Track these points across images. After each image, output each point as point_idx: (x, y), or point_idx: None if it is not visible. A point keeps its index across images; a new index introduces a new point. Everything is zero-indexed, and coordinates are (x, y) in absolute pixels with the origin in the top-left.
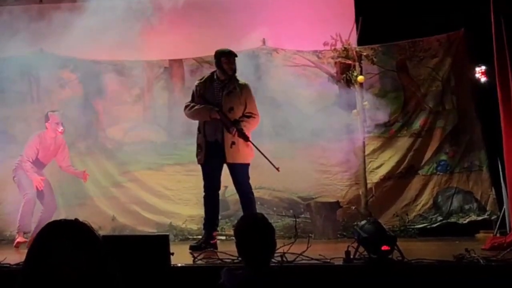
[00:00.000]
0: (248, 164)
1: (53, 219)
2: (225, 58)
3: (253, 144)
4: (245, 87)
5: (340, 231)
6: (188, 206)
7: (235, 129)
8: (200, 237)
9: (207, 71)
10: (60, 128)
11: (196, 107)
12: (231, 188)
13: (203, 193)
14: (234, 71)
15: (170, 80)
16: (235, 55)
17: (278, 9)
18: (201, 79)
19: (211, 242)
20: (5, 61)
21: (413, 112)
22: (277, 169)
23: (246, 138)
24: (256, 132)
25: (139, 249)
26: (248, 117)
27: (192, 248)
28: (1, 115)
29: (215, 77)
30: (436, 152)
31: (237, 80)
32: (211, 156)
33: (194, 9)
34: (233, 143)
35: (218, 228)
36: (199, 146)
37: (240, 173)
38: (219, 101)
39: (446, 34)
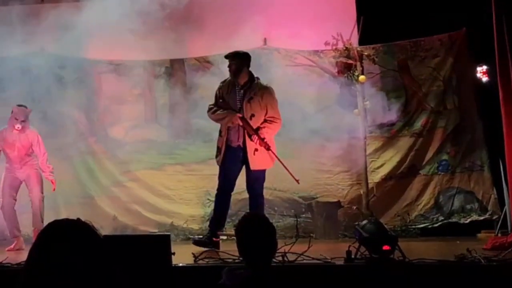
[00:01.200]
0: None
1: (52, 217)
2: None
3: (274, 154)
4: (266, 91)
5: (341, 231)
6: (189, 206)
7: (257, 137)
8: (201, 236)
9: (208, 70)
10: (17, 125)
11: (219, 111)
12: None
13: (216, 192)
14: (234, 72)
15: (171, 79)
16: (233, 57)
17: (279, 9)
18: (223, 81)
19: (214, 240)
20: (5, 60)
21: (414, 112)
22: (297, 181)
23: (267, 147)
24: None
25: (140, 249)
26: (270, 122)
27: (195, 243)
28: (1, 114)
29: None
30: (437, 152)
31: (258, 84)
32: (231, 160)
33: (196, 9)
34: (256, 150)
35: None
36: (218, 149)
37: (258, 178)
38: (241, 107)
39: (448, 33)
